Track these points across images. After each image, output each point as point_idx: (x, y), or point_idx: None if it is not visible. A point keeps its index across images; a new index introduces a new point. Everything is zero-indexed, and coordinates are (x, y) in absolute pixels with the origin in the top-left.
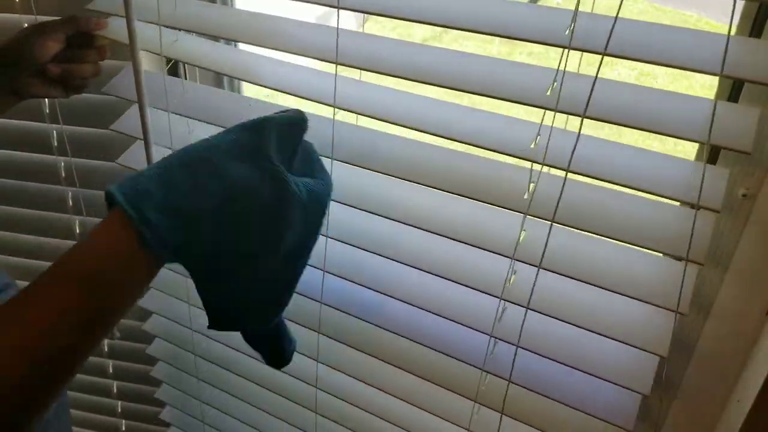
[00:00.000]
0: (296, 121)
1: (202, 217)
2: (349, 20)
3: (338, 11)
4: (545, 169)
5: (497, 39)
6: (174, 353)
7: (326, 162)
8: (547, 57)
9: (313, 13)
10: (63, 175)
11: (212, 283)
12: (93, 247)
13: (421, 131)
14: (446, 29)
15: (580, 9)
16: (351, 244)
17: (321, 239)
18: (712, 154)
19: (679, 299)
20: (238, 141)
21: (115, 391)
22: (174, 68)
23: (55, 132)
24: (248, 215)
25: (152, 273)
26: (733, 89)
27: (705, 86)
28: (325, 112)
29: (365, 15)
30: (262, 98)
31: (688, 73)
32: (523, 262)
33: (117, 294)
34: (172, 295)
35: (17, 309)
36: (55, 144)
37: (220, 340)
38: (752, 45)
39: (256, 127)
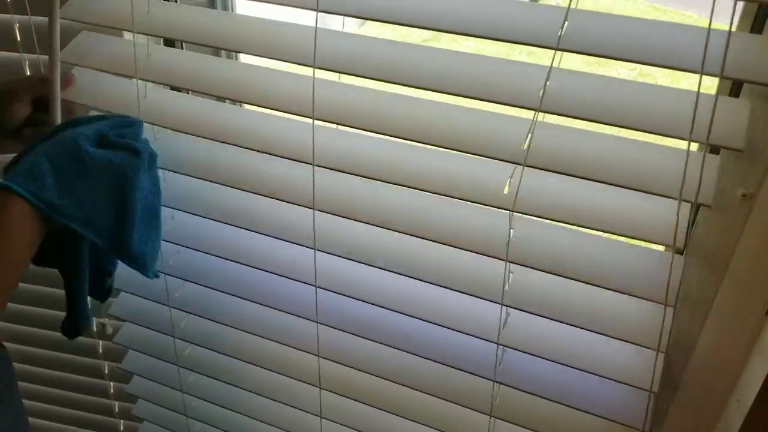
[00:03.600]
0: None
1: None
2: (348, 22)
3: (317, 14)
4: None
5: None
6: (153, 366)
7: (308, 168)
8: (545, 56)
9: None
10: None
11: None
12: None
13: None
14: (434, 35)
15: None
16: (339, 255)
17: (310, 253)
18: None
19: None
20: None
21: (111, 391)
22: None
23: None
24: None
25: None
26: (732, 88)
27: (704, 86)
28: (305, 119)
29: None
30: None
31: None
32: (517, 263)
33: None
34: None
35: None
36: None
37: (205, 346)
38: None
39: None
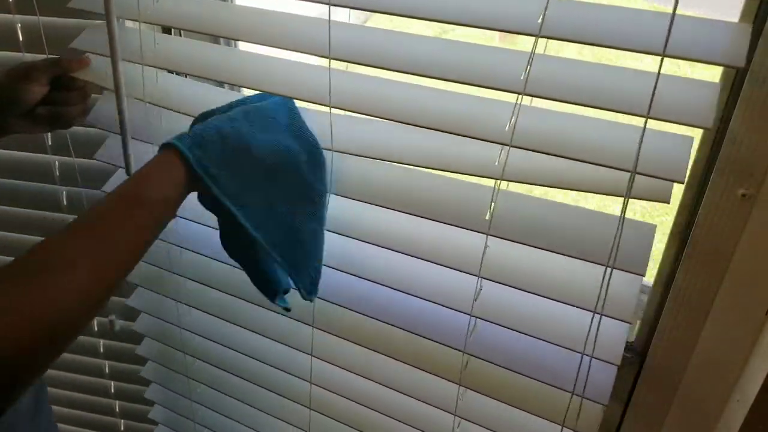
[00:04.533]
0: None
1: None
2: (350, 19)
3: (329, 7)
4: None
5: (497, 35)
6: (163, 352)
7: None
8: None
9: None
10: (57, 174)
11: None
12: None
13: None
14: (445, 29)
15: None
16: (337, 232)
17: None
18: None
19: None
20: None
21: (112, 390)
22: None
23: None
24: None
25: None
26: (736, 77)
27: (703, 76)
28: (320, 116)
29: (366, 13)
30: None
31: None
32: (496, 236)
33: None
34: (162, 294)
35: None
36: (50, 143)
37: (209, 338)
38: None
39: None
